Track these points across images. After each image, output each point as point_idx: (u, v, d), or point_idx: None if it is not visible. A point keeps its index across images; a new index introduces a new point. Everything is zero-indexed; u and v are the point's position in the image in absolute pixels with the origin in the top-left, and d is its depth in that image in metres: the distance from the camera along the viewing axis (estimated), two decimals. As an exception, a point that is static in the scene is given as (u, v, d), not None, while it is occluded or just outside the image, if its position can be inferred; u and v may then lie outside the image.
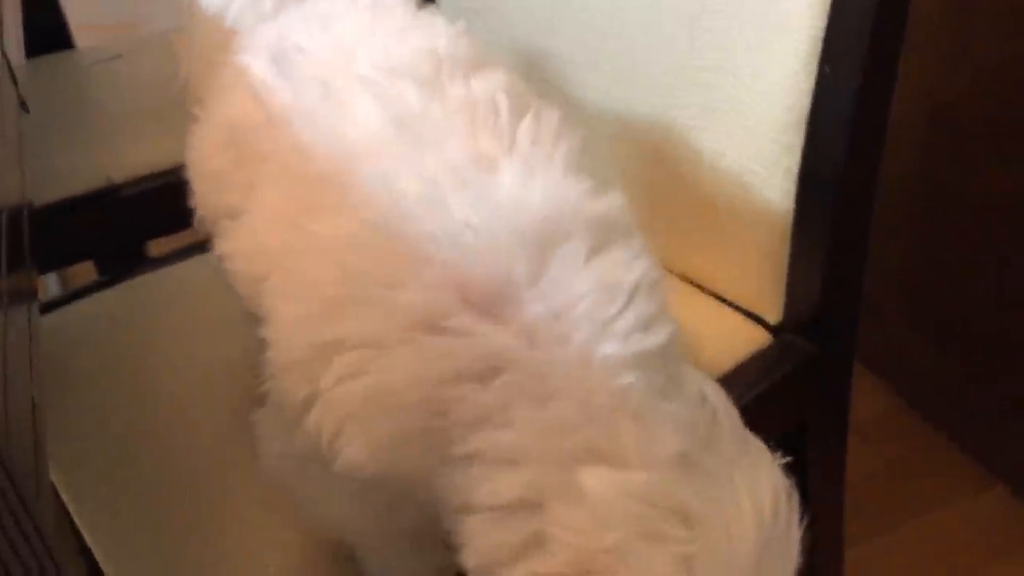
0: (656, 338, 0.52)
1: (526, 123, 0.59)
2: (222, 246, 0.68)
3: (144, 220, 1.21)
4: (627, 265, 0.54)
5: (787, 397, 0.87)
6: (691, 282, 0.89)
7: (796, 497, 0.52)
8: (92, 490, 0.76)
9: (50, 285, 1.56)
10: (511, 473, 0.49)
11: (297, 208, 0.60)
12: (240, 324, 0.87)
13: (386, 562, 0.66)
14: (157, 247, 1.30)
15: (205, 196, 0.73)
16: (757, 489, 0.50)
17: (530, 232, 0.52)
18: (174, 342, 0.90)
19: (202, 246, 1.05)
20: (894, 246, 1.30)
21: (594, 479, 0.47)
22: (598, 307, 0.51)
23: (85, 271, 1.39)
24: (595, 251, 0.53)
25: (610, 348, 0.50)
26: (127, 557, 0.72)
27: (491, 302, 0.51)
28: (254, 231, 0.64)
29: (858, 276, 0.86)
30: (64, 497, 0.77)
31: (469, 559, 0.51)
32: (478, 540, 0.50)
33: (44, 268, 1.36)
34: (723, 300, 0.88)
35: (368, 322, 0.53)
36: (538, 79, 0.91)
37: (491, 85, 0.62)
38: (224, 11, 0.75)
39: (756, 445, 0.54)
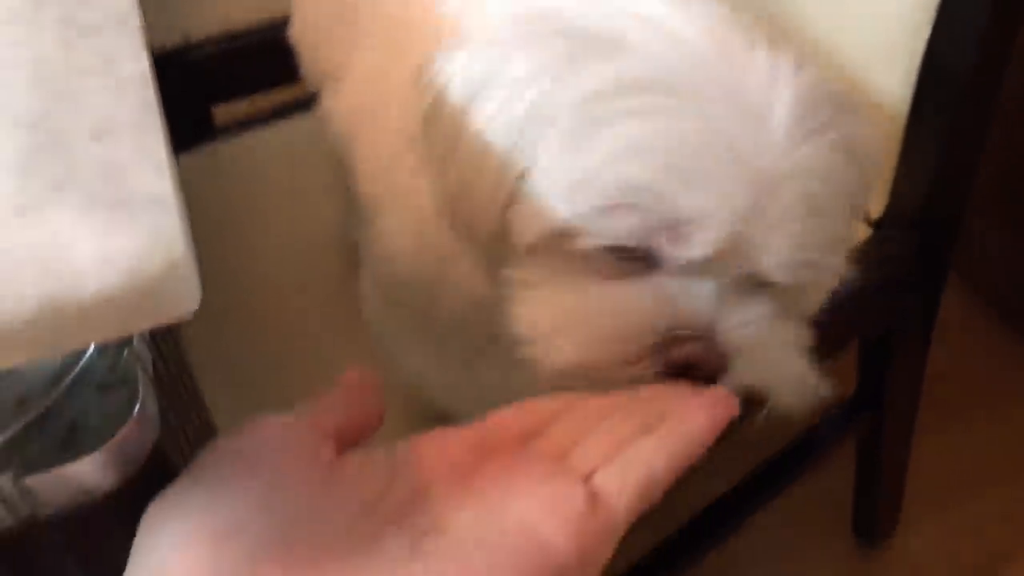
0: None
1: None
2: (324, 103, 0.67)
3: (217, 82, 1.17)
4: None
5: (882, 294, 0.85)
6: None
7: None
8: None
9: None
10: None
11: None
12: (324, 192, 0.86)
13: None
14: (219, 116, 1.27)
15: (311, 53, 0.72)
16: None
17: None
18: (262, 211, 0.89)
19: (272, 114, 1.02)
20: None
21: None
22: None
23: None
24: None
25: None
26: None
27: None
28: (351, 91, 0.62)
29: (969, 177, 0.82)
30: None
31: None
32: None
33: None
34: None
35: None
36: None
37: None
38: None
39: None
